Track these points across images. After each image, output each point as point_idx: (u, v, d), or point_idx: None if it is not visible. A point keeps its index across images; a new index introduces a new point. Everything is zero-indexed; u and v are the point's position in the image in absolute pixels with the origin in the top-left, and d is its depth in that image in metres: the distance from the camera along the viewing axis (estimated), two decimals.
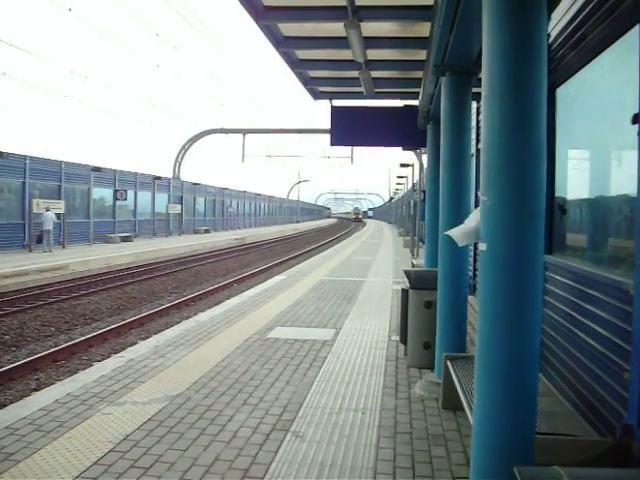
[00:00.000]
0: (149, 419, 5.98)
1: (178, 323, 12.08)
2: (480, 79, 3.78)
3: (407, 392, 7.06)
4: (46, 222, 29.35)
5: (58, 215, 32.64)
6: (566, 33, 5.71)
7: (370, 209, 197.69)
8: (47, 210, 29.30)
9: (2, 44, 24.10)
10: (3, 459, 5.02)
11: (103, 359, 10.50)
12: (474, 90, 7.09)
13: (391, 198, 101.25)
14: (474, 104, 8.87)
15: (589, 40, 5.23)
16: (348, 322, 11.22)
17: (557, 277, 5.94)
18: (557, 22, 5.86)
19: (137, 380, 7.32)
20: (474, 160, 11.62)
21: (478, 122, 12.41)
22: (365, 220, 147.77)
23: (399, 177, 52.95)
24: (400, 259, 26.25)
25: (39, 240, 29.39)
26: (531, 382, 3.51)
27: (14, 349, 12.81)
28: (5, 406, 7.42)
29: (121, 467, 4.88)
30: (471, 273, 8.56)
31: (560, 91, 6.29)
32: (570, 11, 5.47)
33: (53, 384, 7.32)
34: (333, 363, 8.21)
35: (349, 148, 41.96)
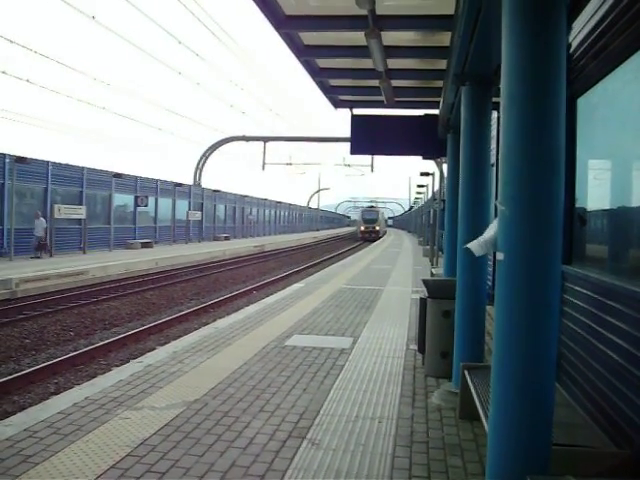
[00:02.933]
0: (166, 424, 6.01)
1: (197, 329, 12.11)
2: (499, 88, 3.78)
3: (424, 401, 7.04)
4: (37, 228, 29.05)
5: (79, 220, 32.89)
6: (587, 43, 5.69)
7: (390, 218, 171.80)
8: (37, 217, 28.94)
9: (27, 51, 24.31)
10: (21, 461, 5.07)
11: (122, 364, 10.55)
12: (494, 99, 7.09)
13: (411, 207, 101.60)
14: (494, 114, 8.85)
15: (610, 49, 5.21)
16: (366, 330, 11.21)
17: (576, 288, 5.91)
18: (578, 32, 5.85)
19: (155, 385, 7.36)
20: (494, 170, 11.59)
21: (499, 132, 12.38)
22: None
23: (419, 186, 52.82)
24: (419, 268, 26.17)
25: (38, 247, 29.12)
26: (548, 392, 3.50)
27: (34, 353, 12.92)
28: (25, 409, 7.47)
29: (138, 471, 4.91)
30: (490, 283, 8.52)
31: (581, 101, 6.26)
32: (591, 21, 5.46)
33: (72, 388, 7.37)
34: (350, 371, 8.21)
35: (369, 156, 41.96)
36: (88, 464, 5.02)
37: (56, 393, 9.34)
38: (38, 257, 28.33)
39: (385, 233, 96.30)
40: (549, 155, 3.40)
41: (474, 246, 4.21)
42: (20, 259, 27.04)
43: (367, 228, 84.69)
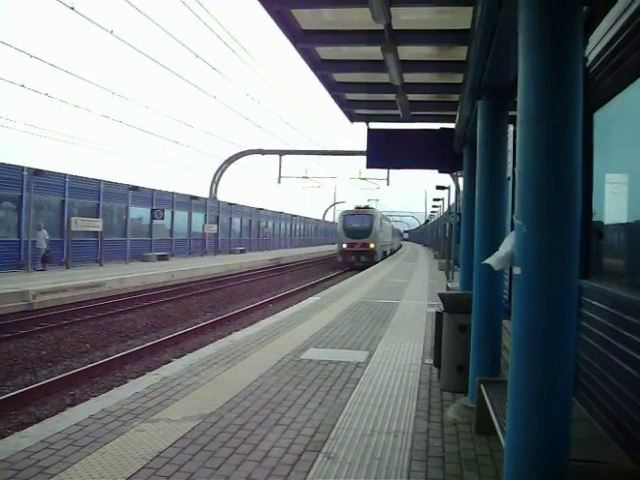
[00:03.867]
0: (182, 437, 6.02)
1: (212, 342, 12.12)
2: (516, 102, 3.79)
3: (440, 416, 7.02)
4: (39, 240, 28.86)
5: (95, 233, 33.06)
6: (604, 56, 5.69)
7: (405, 231, 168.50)
8: (39, 229, 28.86)
9: (46, 65, 24.54)
10: (38, 472, 5.10)
11: (138, 376, 10.59)
12: (511, 113, 7.09)
13: (427, 220, 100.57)
14: (511, 127, 8.84)
15: (627, 63, 5.20)
16: (382, 344, 11.18)
17: (593, 302, 5.88)
18: (595, 45, 5.85)
19: (171, 398, 7.38)
20: (511, 183, 11.57)
21: (515, 145, 12.36)
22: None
23: (435, 199, 52.76)
24: (435, 282, 26.11)
25: (44, 259, 29.02)
26: (565, 407, 3.48)
27: (50, 364, 12.99)
28: (41, 420, 7.51)
29: None
30: (506, 297, 8.50)
31: (598, 115, 6.25)
32: (608, 35, 5.46)
33: (88, 400, 7.41)
34: (366, 385, 8.19)
35: (385, 170, 41.99)
36: (104, 476, 5.04)
37: (72, 405, 9.39)
38: (43, 270, 28.30)
39: (399, 248, 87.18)
40: (566, 169, 3.40)
41: (492, 260, 4.20)
42: (36, 271, 27.21)
43: (353, 246, 49.64)
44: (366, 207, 55.09)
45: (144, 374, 9.64)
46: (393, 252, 69.05)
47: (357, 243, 48.50)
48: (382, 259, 51.29)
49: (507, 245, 4.09)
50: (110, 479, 4.98)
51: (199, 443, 5.87)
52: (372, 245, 49.06)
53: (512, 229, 3.77)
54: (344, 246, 49.10)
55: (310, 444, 5.92)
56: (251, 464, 5.38)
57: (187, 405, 7.11)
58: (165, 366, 9.32)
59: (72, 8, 11.30)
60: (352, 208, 54.38)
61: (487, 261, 4.40)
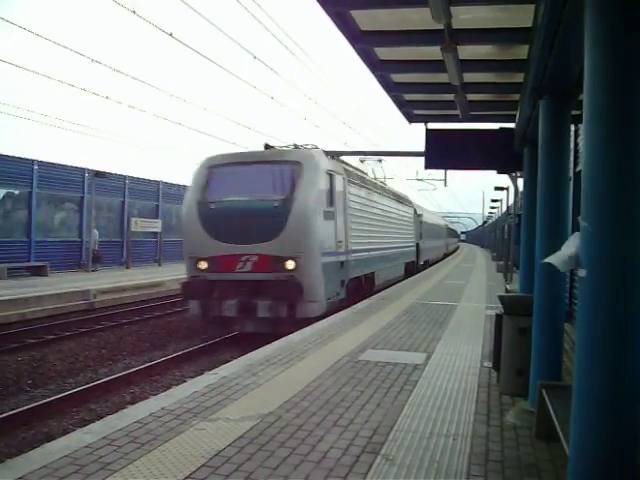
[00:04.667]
0: (240, 436, 6.05)
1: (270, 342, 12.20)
2: (579, 101, 3.71)
3: (499, 420, 6.91)
4: (91, 240, 29.41)
5: (155, 234, 33.57)
6: None
7: (463, 232, 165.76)
8: (92, 229, 29.49)
9: (106, 69, 24.99)
10: (100, 468, 5.18)
11: (196, 375, 10.71)
12: (573, 112, 6.97)
13: (484, 222, 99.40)
14: (572, 126, 8.69)
15: None
16: (440, 346, 11.08)
17: None
18: None
19: (229, 397, 7.43)
20: (571, 184, 11.37)
21: (576, 145, 12.16)
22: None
23: (493, 200, 52.15)
24: (493, 284, 25.78)
25: (94, 259, 29.44)
26: (633, 414, 3.39)
27: (110, 363, 13.25)
28: (102, 417, 7.65)
29: None
30: (566, 300, 8.35)
31: None
32: None
33: (148, 398, 7.51)
34: (424, 387, 8.13)
35: (443, 170, 41.69)
36: (164, 473, 5.10)
37: (132, 403, 9.53)
38: (94, 270, 28.75)
39: (455, 250, 79.89)
40: (635, 169, 3.31)
41: (558, 262, 4.11)
42: (96, 271, 27.75)
43: (232, 266, 15.26)
44: (296, 147, 18.38)
45: (202, 373, 9.73)
46: (446, 255, 59.53)
47: (246, 259, 15.25)
48: (410, 274, 30.34)
49: (571, 246, 4.02)
50: (170, 477, 5.03)
51: (258, 443, 5.89)
52: (302, 268, 15.11)
53: (574, 230, 3.70)
54: (202, 267, 15.88)
55: (368, 446, 5.89)
56: (309, 465, 5.38)
57: (246, 405, 7.16)
58: (223, 366, 9.39)
59: (134, 12, 11.50)
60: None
61: (549, 259, 4.31)
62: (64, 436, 6.07)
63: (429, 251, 41.23)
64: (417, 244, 34.54)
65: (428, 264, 40.17)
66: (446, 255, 58.42)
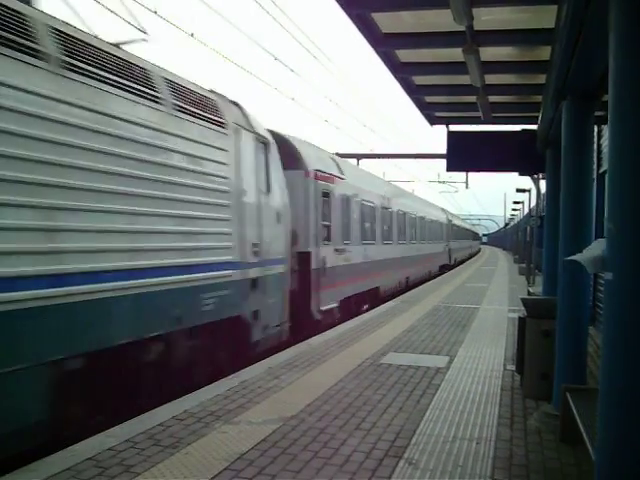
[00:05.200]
0: (263, 439, 6.06)
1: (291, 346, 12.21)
2: (602, 102, 3.68)
3: (523, 423, 6.87)
4: None
5: None
6: None
7: (484, 235, 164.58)
8: None
9: None
10: (123, 471, 5.23)
11: (219, 378, 10.72)
12: (595, 113, 6.92)
13: (506, 224, 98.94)
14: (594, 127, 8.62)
15: None
16: (462, 350, 11.04)
17: None
18: None
19: (252, 400, 7.45)
20: (594, 185, 11.29)
21: (599, 146, 12.06)
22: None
23: (515, 202, 51.88)
24: (515, 287, 25.64)
25: None
26: None
27: None
28: (124, 420, 7.68)
29: None
30: (590, 303, 8.27)
31: None
32: None
33: (170, 401, 7.53)
34: (447, 391, 8.09)
35: (464, 173, 41.52)
36: (187, 476, 5.12)
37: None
38: None
39: (477, 252, 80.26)
40: None
41: (587, 263, 4.06)
42: None
43: None
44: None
45: (225, 376, 9.75)
46: (469, 257, 61.16)
47: None
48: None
49: (597, 249, 3.97)
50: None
51: (280, 446, 5.90)
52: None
53: (596, 232, 3.66)
54: None
55: (391, 449, 5.87)
56: (332, 468, 5.38)
57: (268, 408, 7.16)
58: (245, 369, 9.41)
59: (155, 12, 11.55)
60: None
61: (581, 261, 4.24)
62: (87, 439, 6.10)
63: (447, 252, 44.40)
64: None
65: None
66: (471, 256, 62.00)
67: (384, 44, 8.09)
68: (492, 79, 9.29)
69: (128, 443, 5.91)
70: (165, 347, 8.31)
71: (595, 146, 10.10)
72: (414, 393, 7.96)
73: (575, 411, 5.53)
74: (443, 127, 12.23)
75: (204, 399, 7.50)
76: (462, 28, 6.94)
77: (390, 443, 6.05)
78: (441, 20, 7.07)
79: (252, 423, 6.58)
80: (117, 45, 8.05)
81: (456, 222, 52.84)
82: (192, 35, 14.90)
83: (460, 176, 47.62)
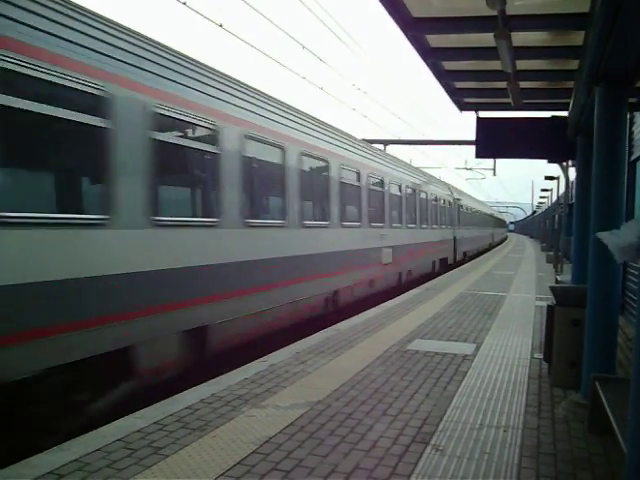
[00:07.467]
0: (290, 423, 6.09)
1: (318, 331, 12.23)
2: (636, 88, 3.61)
3: (550, 412, 6.82)
4: None
5: None
6: None
7: (511, 222, 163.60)
8: None
9: None
10: (152, 453, 5.28)
11: (245, 363, 10.77)
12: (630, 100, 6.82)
13: (534, 212, 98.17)
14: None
15: None
16: (489, 337, 10.98)
17: None
18: None
19: (279, 385, 7.48)
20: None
21: (630, 133, 11.92)
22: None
23: (543, 190, 51.44)
24: (543, 275, 25.46)
25: None
26: None
27: None
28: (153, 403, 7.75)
29: (263, 469, 4.99)
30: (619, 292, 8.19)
31: None
32: None
33: (198, 384, 7.59)
34: (474, 378, 8.06)
35: (491, 160, 41.23)
36: (215, 459, 5.15)
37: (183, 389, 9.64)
38: None
39: (503, 240, 78.02)
40: None
41: (615, 251, 4.00)
42: None
43: None
44: None
45: (251, 361, 9.79)
46: (491, 247, 56.70)
47: None
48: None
49: (629, 235, 3.89)
50: (221, 462, 5.08)
51: (307, 430, 5.91)
52: None
53: (627, 219, 3.59)
54: None
55: (418, 436, 5.87)
56: (359, 453, 5.38)
57: (295, 392, 7.19)
58: (272, 354, 9.44)
59: (184, 3, 11.55)
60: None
61: (612, 250, 4.11)
62: (117, 420, 6.17)
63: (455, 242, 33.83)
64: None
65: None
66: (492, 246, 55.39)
67: (414, 28, 8.02)
68: (523, 65, 9.19)
69: (157, 425, 5.97)
70: None
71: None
72: (441, 380, 7.94)
73: (605, 401, 5.48)
74: (472, 113, 12.16)
75: (232, 383, 7.54)
76: (493, 13, 6.86)
77: (417, 429, 6.04)
78: (472, 4, 7.01)
79: (279, 407, 6.61)
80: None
81: (467, 202, 40.01)
82: (221, 25, 14.89)
83: (487, 163, 47.31)
